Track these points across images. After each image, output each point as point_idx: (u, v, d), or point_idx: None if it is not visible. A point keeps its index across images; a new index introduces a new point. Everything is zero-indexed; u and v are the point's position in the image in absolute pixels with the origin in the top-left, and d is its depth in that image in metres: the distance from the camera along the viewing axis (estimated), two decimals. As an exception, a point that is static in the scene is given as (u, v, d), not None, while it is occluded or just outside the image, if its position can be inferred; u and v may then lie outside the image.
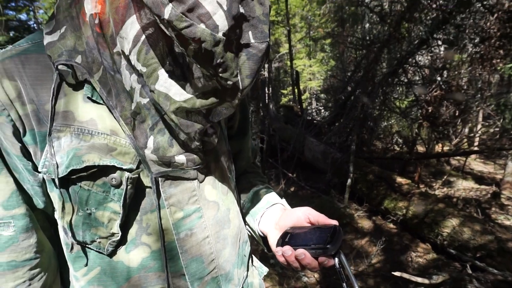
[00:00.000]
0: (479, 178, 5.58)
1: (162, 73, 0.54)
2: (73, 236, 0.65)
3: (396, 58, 4.22)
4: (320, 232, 0.66)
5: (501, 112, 3.23)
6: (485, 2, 2.91)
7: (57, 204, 0.65)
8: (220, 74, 0.49)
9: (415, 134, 4.44)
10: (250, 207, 0.87)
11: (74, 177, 0.60)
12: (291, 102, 10.58)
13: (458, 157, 6.03)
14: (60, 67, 0.58)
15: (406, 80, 4.63)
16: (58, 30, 0.60)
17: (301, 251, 0.64)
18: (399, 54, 4.13)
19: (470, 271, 2.41)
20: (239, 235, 0.81)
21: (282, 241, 0.69)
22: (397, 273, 2.23)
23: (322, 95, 11.80)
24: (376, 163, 5.11)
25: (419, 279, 2.22)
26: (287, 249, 0.66)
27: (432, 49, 3.81)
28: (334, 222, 0.67)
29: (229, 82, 0.51)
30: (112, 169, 0.61)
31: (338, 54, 9.15)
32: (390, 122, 6.33)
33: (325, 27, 10.11)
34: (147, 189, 0.65)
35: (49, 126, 0.59)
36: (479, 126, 5.97)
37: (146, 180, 0.64)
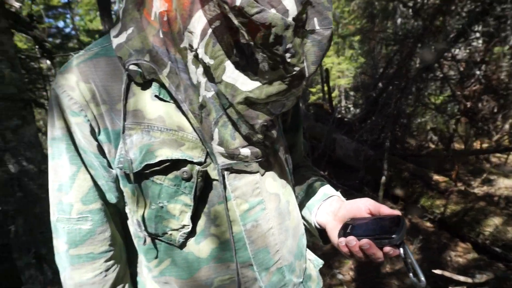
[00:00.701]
0: (523, 176, 5.29)
1: (229, 65, 0.56)
2: (146, 229, 0.68)
3: (431, 53, 4.10)
4: (383, 222, 0.65)
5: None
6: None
7: (130, 198, 0.68)
8: (289, 60, 0.50)
9: (453, 130, 4.29)
10: (305, 200, 0.88)
11: (147, 171, 0.63)
12: (320, 100, 10.48)
13: (498, 154, 5.76)
14: (131, 67, 0.61)
15: (441, 75, 4.48)
16: (125, 32, 0.63)
17: (366, 241, 0.63)
18: (434, 48, 4.01)
19: (516, 270, 2.31)
20: (298, 227, 0.82)
21: (344, 232, 0.69)
22: (437, 271, 2.17)
23: (351, 93, 11.61)
24: (410, 160, 4.98)
25: (462, 278, 2.16)
26: (351, 239, 0.65)
27: (470, 42, 3.67)
28: (397, 212, 0.66)
29: (296, 69, 0.52)
30: (184, 163, 0.64)
31: (368, 51, 8.97)
32: (425, 119, 6.15)
33: (354, 24, 9.94)
34: (214, 182, 0.67)
35: (122, 124, 0.63)
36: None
37: (213, 173, 0.67)
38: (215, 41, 0.55)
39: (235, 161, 0.66)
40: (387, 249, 0.62)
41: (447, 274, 2.16)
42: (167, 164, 0.63)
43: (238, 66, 0.56)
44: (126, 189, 0.68)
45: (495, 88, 3.35)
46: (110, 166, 0.68)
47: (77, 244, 0.70)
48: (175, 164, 0.63)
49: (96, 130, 0.64)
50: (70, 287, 0.72)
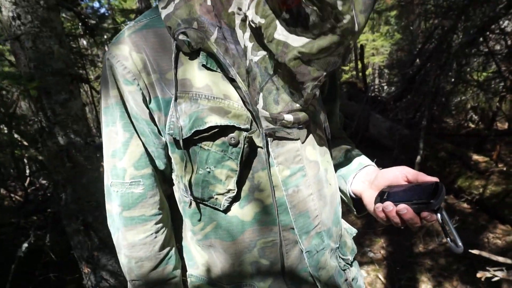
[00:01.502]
0: None
1: (280, 23, 0.57)
2: (192, 193, 0.71)
3: (476, 26, 3.86)
4: (421, 189, 0.65)
5: None
6: None
7: (178, 164, 0.71)
8: (340, 8, 0.50)
9: (496, 108, 4.07)
10: (340, 169, 0.89)
11: (196, 138, 0.66)
12: (353, 79, 10.20)
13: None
14: (180, 36, 0.63)
15: (486, 50, 4.22)
16: (172, 2, 0.65)
17: (403, 206, 0.63)
18: (480, 21, 3.77)
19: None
20: (335, 195, 0.83)
21: (380, 199, 0.69)
22: (475, 251, 2.13)
23: (386, 71, 11.18)
24: (448, 140, 4.80)
25: (501, 259, 2.10)
26: (388, 204, 0.66)
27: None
28: (435, 179, 0.65)
29: (347, 17, 0.51)
30: (231, 129, 0.66)
31: (405, 26, 8.55)
32: (465, 97, 5.85)
33: (391, -3, 9.43)
34: (258, 149, 0.69)
35: (175, 93, 0.64)
36: None
37: (257, 140, 0.69)
38: (265, 0, 0.56)
39: (278, 126, 0.67)
40: (424, 214, 0.61)
41: (484, 254, 2.11)
42: (215, 130, 0.65)
43: (288, 24, 0.57)
44: (175, 155, 0.70)
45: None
46: (160, 133, 0.70)
47: (130, 206, 0.73)
48: (223, 130, 0.65)
49: (147, 98, 0.67)
50: (123, 247, 0.76)
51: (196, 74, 0.66)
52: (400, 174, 0.72)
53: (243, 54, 0.64)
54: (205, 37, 0.63)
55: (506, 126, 5.48)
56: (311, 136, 0.75)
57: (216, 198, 0.71)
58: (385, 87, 8.70)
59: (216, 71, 0.66)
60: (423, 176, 0.69)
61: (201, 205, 0.73)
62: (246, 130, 0.66)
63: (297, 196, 0.72)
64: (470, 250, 2.22)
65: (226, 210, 0.72)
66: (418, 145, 4.12)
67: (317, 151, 0.77)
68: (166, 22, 0.65)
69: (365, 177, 0.82)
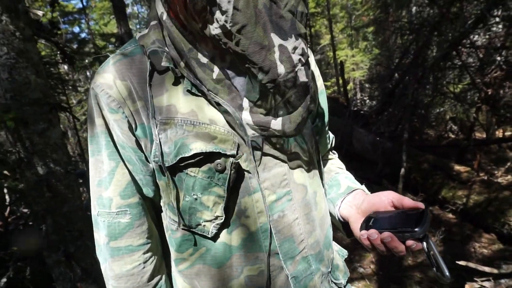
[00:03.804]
0: (548, 164, 5.12)
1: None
2: (180, 221, 0.70)
3: (448, 40, 4.01)
4: (406, 216, 0.64)
5: None
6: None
7: (165, 191, 0.70)
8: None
9: (473, 119, 4.19)
10: (329, 193, 0.89)
11: (182, 164, 0.65)
12: (335, 94, 10.39)
13: (522, 142, 5.58)
14: (152, 53, 0.65)
15: (460, 63, 4.38)
16: (149, 24, 0.68)
17: (387, 234, 0.62)
18: (452, 36, 3.92)
19: (544, 260, 2.25)
20: (325, 218, 0.83)
21: (366, 225, 0.69)
22: (462, 263, 2.14)
23: (367, 85, 11.44)
24: (430, 151, 4.90)
25: (487, 269, 2.12)
26: (373, 232, 0.65)
27: (490, 27, 3.57)
28: (421, 205, 0.65)
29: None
30: (217, 155, 0.65)
31: (382, 42, 8.82)
32: (443, 109, 6.02)
33: (368, 15, 9.78)
34: (245, 174, 0.69)
35: (152, 112, 0.64)
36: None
37: (244, 165, 0.68)
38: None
39: (266, 133, 0.67)
40: (409, 242, 0.61)
41: (471, 265, 2.13)
42: (201, 157, 0.65)
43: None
44: (162, 182, 0.69)
45: (517, 74, 3.26)
46: (147, 160, 0.69)
47: (116, 237, 0.72)
48: (209, 157, 0.65)
49: (133, 126, 0.66)
50: (110, 278, 0.75)
51: (181, 100, 0.66)
52: (386, 199, 0.72)
53: (207, 68, 0.66)
54: (175, 60, 0.65)
55: (484, 135, 5.63)
56: (300, 158, 0.75)
57: (204, 225, 0.70)
58: (367, 101, 8.87)
59: (201, 96, 0.67)
60: (408, 201, 0.68)
61: (188, 232, 0.72)
62: (232, 156, 0.66)
63: (282, 221, 0.72)
64: (457, 262, 2.24)
65: (215, 236, 0.71)
66: (401, 158, 4.18)
67: (306, 173, 0.77)
68: (140, 41, 0.67)
69: (353, 201, 0.82)
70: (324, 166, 0.94)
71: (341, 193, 0.86)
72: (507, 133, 5.73)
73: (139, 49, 0.69)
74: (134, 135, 0.67)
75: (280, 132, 0.66)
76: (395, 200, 0.70)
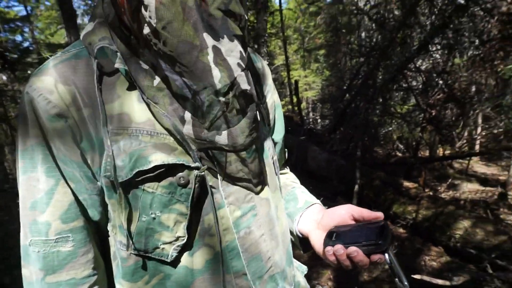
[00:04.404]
0: (483, 180, 5.60)
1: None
2: (133, 245, 0.62)
3: (395, 64, 4.27)
4: (368, 229, 0.66)
5: (504, 113, 3.27)
6: (483, 6, 2.98)
7: (116, 211, 0.62)
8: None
9: (419, 138, 4.46)
10: (287, 207, 0.86)
11: (138, 179, 0.58)
12: (289, 113, 10.63)
13: (460, 160, 6.06)
14: (98, 52, 0.58)
15: (406, 85, 4.67)
16: (93, 22, 0.61)
17: (353, 249, 0.62)
18: (399, 60, 4.19)
19: (491, 271, 2.40)
20: (286, 233, 0.80)
21: (329, 240, 0.68)
22: (417, 276, 2.21)
23: (319, 105, 11.86)
24: (379, 169, 5.12)
25: (440, 281, 2.20)
26: (339, 247, 0.64)
27: (432, 53, 3.87)
28: (380, 215, 0.67)
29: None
30: (180, 167, 0.59)
31: (333, 64, 9.25)
32: (391, 128, 6.37)
33: (320, 38, 10.24)
34: (209, 189, 0.63)
35: (102, 119, 0.57)
36: (479, 129, 6.03)
37: (208, 178, 0.62)
38: None
39: (212, 145, 0.60)
40: (375, 256, 0.62)
41: (426, 278, 2.20)
42: (162, 169, 0.58)
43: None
44: (112, 201, 0.61)
45: (457, 97, 3.54)
46: (94, 177, 0.61)
47: (55, 269, 0.62)
48: (171, 170, 0.59)
49: (78, 137, 0.58)
50: None
51: (136, 108, 0.59)
52: (346, 213, 0.71)
53: (147, 75, 0.59)
54: (121, 60, 0.58)
55: (427, 153, 6.02)
56: (261, 171, 0.71)
57: (163, 248, 0.62)
58: (319, 120, 9.18)
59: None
60: (367, 212, 0.68)
61: (143, 258, 0.64)
62: (197, 168, 0.60)
63: (249, 238, 0.67)
64: (412, 276, 2.30)
65: (175, 261, 0.63)
66: (354, 175, 4.31)
67: (268, 187, 0.73)
68: (85, 40, 0.59)
69: (312, 216, 0.80)
70: (280, 180, 0.92)
71: (299, 207, 0.83)
72: (447, 152, 6.19)
73: (85, 52, 0.60)
74: (79, 147, 0.59)
75: (228, 147, 0.59)
76: (354, 213, 0.70)
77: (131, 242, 0.62)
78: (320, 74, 13.44)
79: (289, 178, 0.95)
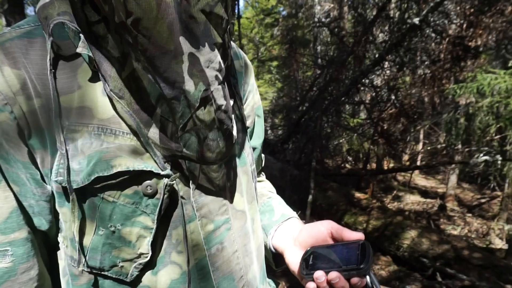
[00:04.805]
0: (424, 192, 5.99)
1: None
2: (86, 262, 0.53)
3: (350, 78, 4.43)
4: (348, 250, 0.62)
5: (449, 129, 3.52)
6: (434, 28, 3.19)
7: (68, 222, 0.53)
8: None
9: (368, 150, 4.64)
10: (261, 219, 0.80)
11: (98, 186, 0.50)
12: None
13: (403, 173, 6.44)
14: (54, 27, 0.48)
15: (358, 99, 4.86)
16: None
17: (335, 275, 0.58)
18: (354, 74, 4.35)
19: (440, 279, 2.50)
20: (261, 248, 0.74)
21: (306, 263, 0.64)
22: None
23: (270, 115, 12.03)
24: (331, 179, 5.25)
25: (394, 291, 2.24)
26: (321, 274, 0.59)
27: (385, 70, 4.07)
28: (360, 236, 0.63)
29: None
30: (148, 175, 0.51)
31: (286, 75, 9.44)
32: (341, 140, 6.60)
33: (274, 49, 10.42)
34: (180, 199, 0.55)
35: (54, 110, 0.48)
36: (420, 143, 6.47)
37: (179, 187, 0.55)
38: None
39: (180, 154, 0.53)
40: (355, 280, 0.58)
41: None
42: (125, 176, 0.50)
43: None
44: (64, 209, 0.53)
45: (407, 112, 3.74)
46: (43, 180, 0.53)
47: None
48: (136, 177, 0.51)
49: (26, 132, 0.50)
50: None
51: (99, 102, 0.51)
52: (325, 230, 0.66)
53: (117, 62, 0.51)
54: (84, 42, 0.48)
55: (374, 166, 6.31)
56: (238, 180, 0.64)
57: (122, 266, 0.54)
58: (269, 131, 9.27)
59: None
60: (347, 232, 0.64)
61: (98, 277, 0.55)
62: (167, 176, 0.52)
63: (221, 256, 0.61)
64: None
65: (135, 280, 0.55)
66: (309, 185, 4.35)
67: (245, 198, 0.67)
68: (41, 14, 0.50)
69: (288, 231, 0.74)
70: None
71: (275, 220, 0.78)
72: (390, 165, 6.56)
73: (41, 30, 0.50)
74: (26, 144, 0.51)
75: (198, 159, 0.54)
76: (334, 231, 0.65)
77: (83, 258, 0.53)
78: (272, 85, 13.65)
79: (265, 187, 0.88)
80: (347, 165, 6.77)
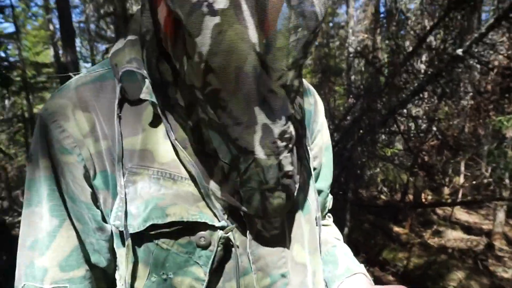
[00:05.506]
0: (467, 228, 5.62)
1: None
2: None
3: (388, 108, 4.34)
4: None
5: (495, 162, 3.32)
6: (479, 59, 3.09)
7: (124, 263, 0.53)
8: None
9: (407, 181, 4.46)
10: (323, 270, 0.74)
11: (152, 233, 0.50)
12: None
13: (443, 207, 6.11)
14: (124, 74, 0.50)
15: (395, 129, 4.73)
16: (123, 39, 0.54)
17: None
18: (391, 104, 4.26)
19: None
20: None
21: None
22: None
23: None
24: (366, 211, 5.05)
25: None
26: None
27: (426, 100, 3.96)
28: None
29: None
30: (202, 226, 0.51)
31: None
32: (376, 171, 6.39)
33: (307, 78, 10.50)
34: (235, 250, 0.54)
35: (117, 153, 0.49)
36: (462, 176, 6.15)
37: (236, 237, 0.53)
38: None
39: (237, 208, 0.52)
40: None
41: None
42: (179, 226, 0.51)
43: None
44: (121, 251, 0.54)
45: (450, 144, 3.59)
46: (104, 220, 0.54)
47: None
48: (190, 227, 0.51)
49: (91, 173, 0.52)
50: None
51: (161, 145, 0.52)
52: None
53: (184, 111, 0.52)
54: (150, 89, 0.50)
55: (411, 198, 6.04)
56: (300, 230, 0.60)
57: None
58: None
59: None
60: None
61: None
62: (222, 228, 0.51)
63: None
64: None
65: None
66: (344, 216, 4.21)
67: (307, 250, 0.62)
68: (113, 59, 0.53)
69: None
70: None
71: (339, 274, 0.72)
72: (429, 197, 6.25)
73: (113, 74, 0.53)
74: (91, 185, 0.53)
75: (257, 216, 0.54)
76: None
77: None
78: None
79: (330, 232, 0.82)
80: (382, 196, 6.52)
